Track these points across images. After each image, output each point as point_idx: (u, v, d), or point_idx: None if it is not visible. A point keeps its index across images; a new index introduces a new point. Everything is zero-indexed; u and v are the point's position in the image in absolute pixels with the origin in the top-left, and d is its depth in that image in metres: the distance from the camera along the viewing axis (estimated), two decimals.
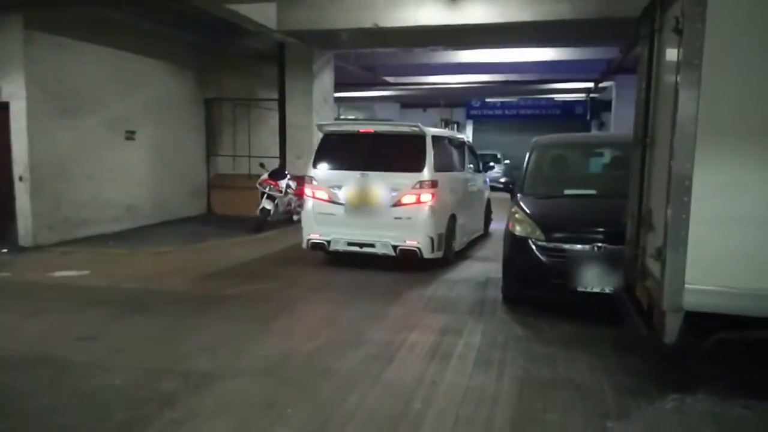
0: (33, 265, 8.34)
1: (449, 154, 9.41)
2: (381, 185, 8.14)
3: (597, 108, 24.60)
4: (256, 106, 14.67)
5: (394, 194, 8.09)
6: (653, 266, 4.09)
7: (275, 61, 13.20)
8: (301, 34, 11.83)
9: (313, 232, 8.54)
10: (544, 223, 6.16)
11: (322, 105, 13.54)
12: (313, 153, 8.86)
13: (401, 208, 8.08)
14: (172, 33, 11.93)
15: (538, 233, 6.11)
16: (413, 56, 16.02)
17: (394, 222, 8.10)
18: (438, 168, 8.35)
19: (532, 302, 6.53)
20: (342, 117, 25.35)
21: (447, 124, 23.04)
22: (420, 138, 8.27)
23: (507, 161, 24.63)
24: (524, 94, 24.47)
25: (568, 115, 25.51)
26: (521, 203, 6.64)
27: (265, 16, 10.90)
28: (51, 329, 5.65)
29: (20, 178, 9.35)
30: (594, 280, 5.75)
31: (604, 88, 20.22)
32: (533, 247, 6.11)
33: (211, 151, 14.22)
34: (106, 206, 10.96)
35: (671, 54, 3.95)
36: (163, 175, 12.52)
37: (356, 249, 8.37)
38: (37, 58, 9.35)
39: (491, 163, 12.07)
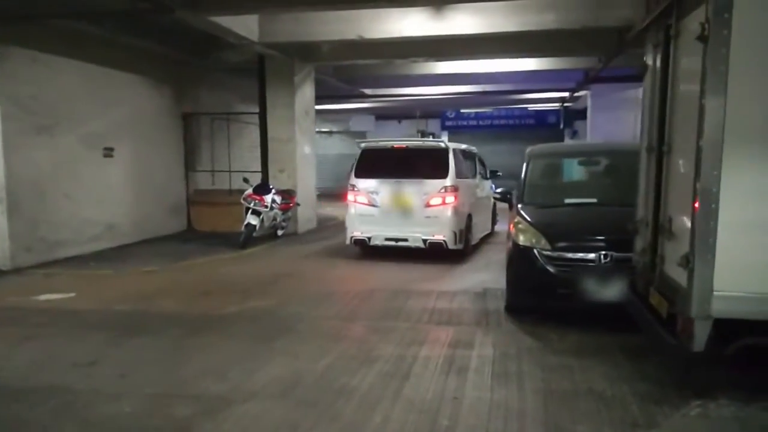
0: (15, 289, 7.99)
1: (465, 163, 10.82)
2: (412, 190, 9.76)
3: (570, 117, 24.92)
4: (235, 120, 14.47)
5: (423, 197, 9.63)
6: (677, 274, 4.06)
7: (253, 74, 13.08)
8: (283, 47, 11.72)
9: (355, 231, 10.09)
10: (549, 232, 6.13)
11: (304, 118, 13.41)
12: (354, 165, 10.34)
13: (429, 209, 9.64)
14: (148, 46, 11.70)
15: (543, 242, 6.09)
16: (392, 68, 15.97)
17: (424, 220, 9.66)
18: (458, 176, 9.89)
19: (535, 311, 6.50)
20: (317, 130, 25.19)
21: (423, 135, 23.04)
22: (444, 151, 9.95)
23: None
24: (500, 104, 24.64)
25: (542, 124, 25.84)
26: (523, 213, 6.61)
27: (247, 28, 10.76)
28: (46, 356, 5.38)
29: None
30: (602, 289, 5.73)
31: (578, 97, 20.49)
32: (538, 256, 6.08)
33: (189, 166, 13.94)
34: (85, 225, 10.63)
35: (691, 61, 3.95)
36: (142, 192, 12.22)
37: (392, 243, 9.88)
38: (11, 73, 9.05)
39: (499, 172, 13.17)
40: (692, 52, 3.90)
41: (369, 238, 9.95)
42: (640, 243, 5.14)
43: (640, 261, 5.05)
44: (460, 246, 9.85)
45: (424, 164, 9.95)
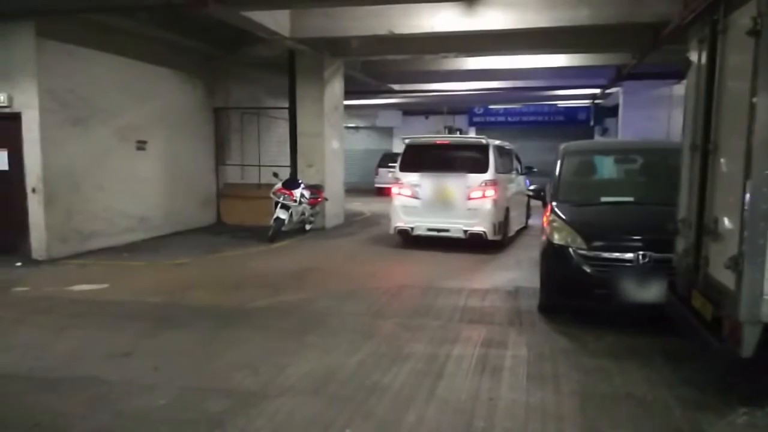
0: (50, 279, 8.11)
1: (503, 159, 11.21)
2: (454, 184, 10.25)
3: (600, 114, 24.53)
4: (264, 114, 14.52)
5: (465, 191, 10.12)
6: (724, 276, 3.93)
7: (283, 69, 13.08)
8: (313, 42, 11.71)
9: (399, 221, 10.64)
10: (585, 230, 6.01)
11: (333, 113, 13.40)
12: (399, 159, 11.01)
13: (470, 202, 10.12)
14: (181, 41, 11.79)
15: (579, 241, 5.96)
16: (421, 64, 15.90)
17: (465, 212, 10.15)
18: (497, 171, 10.35)
19: (569, 311, 6.38)
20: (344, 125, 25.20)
21: (451, 131, 22.86)
22: (484, 147, 10.41)
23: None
24: (529, 100, 24.34)
25: (572, 121, 25.44)
26: (558, 211, 6.49)
27: (278, 23, 10.76)
28: (81, 346, 5.44)
29: (33, 190, 9.15)
30: (640, 290, 5.59)
31: (609, 94, 20.15)
32: (574, 255, 5.96)
33: (219, 160, 14.02)
34: (118, 217, 10.76)
35: (741, 58, 3.80)
36: (174, 185, 12.33)
37: (434, 233, 10.42)
38: (48, 66, 9.17)
39: (534, 168, 13.31)
40: (742, 48, 3.76)
41: (412, 228, 10.50)
42: (682, 243, 5.00)
43: (683, 262, 4.91)
44: (498, 237, 10.38)
45: (466, 159, 10.55)
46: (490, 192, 10.08)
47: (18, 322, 6.18)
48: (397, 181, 10.75)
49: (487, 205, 10.07)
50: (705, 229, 4.41)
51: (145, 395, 4.36)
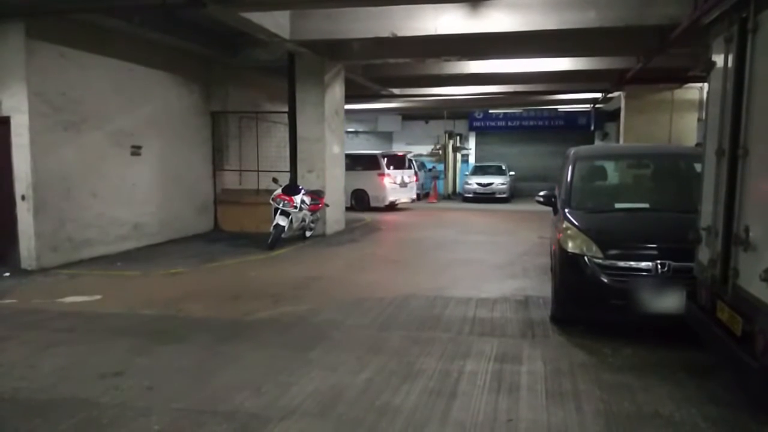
0: (40, 290, 7.80)
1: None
2: (406, 175, 20.39)
3: (600, 119, 24.33)
4: (263, 119, 14.25)
5: (408, 179, 20.35)
6: (758, 289, 3.66)
7: (282, 73, 12.84)
8: (314, 44, 11.44)
9: (391, 196, 19.13)
10: (601, 238, 5.74)
11: (333, 117, 13.13)
12: (383, 162, 19.57)
13: (410, 183, 20.46)
14: (178, 43, 11.52)
15: (595, 249, 5.69)
16: (422, 68, 15.63)
17: (409, 189, 20.45)
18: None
19: (582, 322, 6.12)
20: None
21: (451, 136, 22.75)
22: (405, 155, 21.27)
23: (512, 173, 24.40)
24: (530, 105, 24.17)
25: (572, 127, 25.29)
26: (571, 218, 6.22)
27: (278, 25, 10.49)
28: (71, 364, 5.12)
29: (23, 197, 8.86)
30: (659, 300, 5.34)
31: (611, 99, 19.93)
32: (589, 264, 5.69)
33: (217, 165, 13.74)
34: (112, 225, 10.47)
35: None
36: (170, 191, 12.04)
37: (404, 202, 20.60)
38: (39, 69, 8.89)
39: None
40: None
41: (396, 200, 19.60)
42: (706, 253, 4.72)
43: (707, 272, 4.64)
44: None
45: (401, 161, 20.73)
46: (413, 177, 20.97)
47: (2, 338, 5.82)
48: (386, 175, 19.10)
49: (414, 184, 21.01)
50: (734, 238, 4.13)
51: (138, 419, 4.06)
